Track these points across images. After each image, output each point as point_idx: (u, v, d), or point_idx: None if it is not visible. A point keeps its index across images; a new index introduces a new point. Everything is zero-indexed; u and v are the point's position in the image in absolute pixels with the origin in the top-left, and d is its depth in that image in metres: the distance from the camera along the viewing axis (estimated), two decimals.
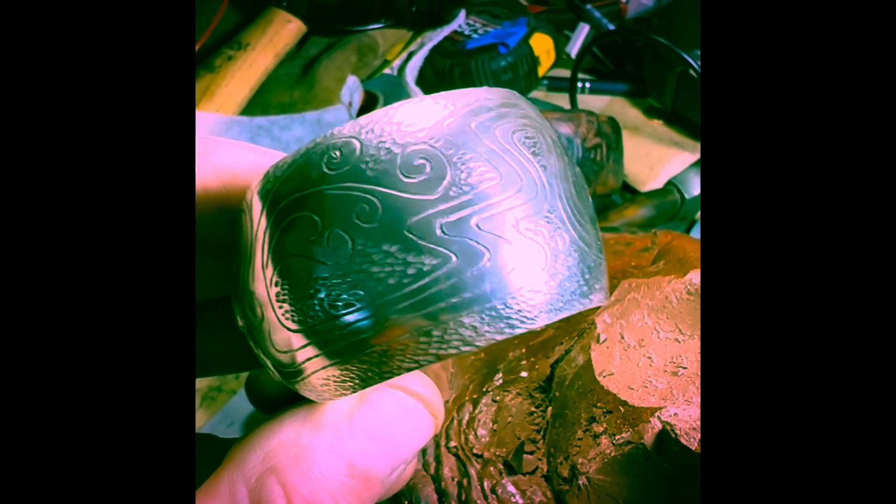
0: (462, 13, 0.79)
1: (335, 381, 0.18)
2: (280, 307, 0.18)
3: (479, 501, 0.33)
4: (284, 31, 0.71)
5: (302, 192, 0.18)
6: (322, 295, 0.17)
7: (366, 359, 0.17)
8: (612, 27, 0.83)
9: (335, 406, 0.19)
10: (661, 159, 0.72)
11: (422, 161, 0.17)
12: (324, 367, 0.18)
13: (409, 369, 0.17)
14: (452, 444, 0.36)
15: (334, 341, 0.17)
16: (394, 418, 0.20)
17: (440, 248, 0.17)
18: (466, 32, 0.78)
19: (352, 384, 0.18)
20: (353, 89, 0.70)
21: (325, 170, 0.18)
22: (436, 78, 0.76)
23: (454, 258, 0.17)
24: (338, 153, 0.18)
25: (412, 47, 0.77)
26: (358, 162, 0.18)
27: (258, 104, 0.68)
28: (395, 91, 0.73)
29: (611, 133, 0.62)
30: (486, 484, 0.34)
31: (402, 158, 0.17)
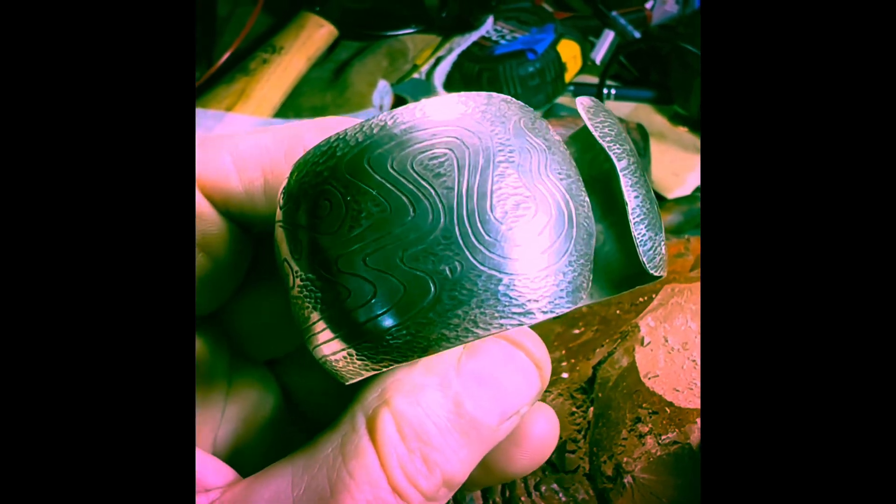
0: (490, 19, 0.80)
1: (348, 361, 0.19)
2: (303, 287, 0.19)
3: (522, 498, 0.34)
4: (317, 35, 0.73)
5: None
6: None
7: (383, 346, 0.18)
8: (636, 34, 0.84)
9: (446, 353, 0.20)
10: (686, 166, 0.73)
11: (325, 201, 0.19)
12: (341, 350, 0.19)
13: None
14: None
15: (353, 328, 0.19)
16: (499, 366, 0.21)
17: (359, 277, 0.18)
18: (494, 38, 0.79)
19: (364, 366, 0.19)
20: (383, 93, 0.71)
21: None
22: (464, 83, 0.77)
23: (375, 289, 0.18)
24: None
25: (441, 52, 0.78)
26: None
27: (291, 107, 0.69)
28: (425, 95, 0.74)
29: (640, 140, 0.63)
30: (529, 481, 0.35)
31: (311, 198, 0.19)
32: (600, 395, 0.35)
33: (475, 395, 0.20)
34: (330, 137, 0.19)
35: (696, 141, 0.76)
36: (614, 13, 0.85)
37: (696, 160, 0.73)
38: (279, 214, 0.20)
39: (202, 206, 0.23)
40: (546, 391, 0.38)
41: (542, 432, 0.24)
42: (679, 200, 0.62)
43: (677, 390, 0.31)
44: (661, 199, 0.69)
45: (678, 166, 0.73)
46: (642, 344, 0.34)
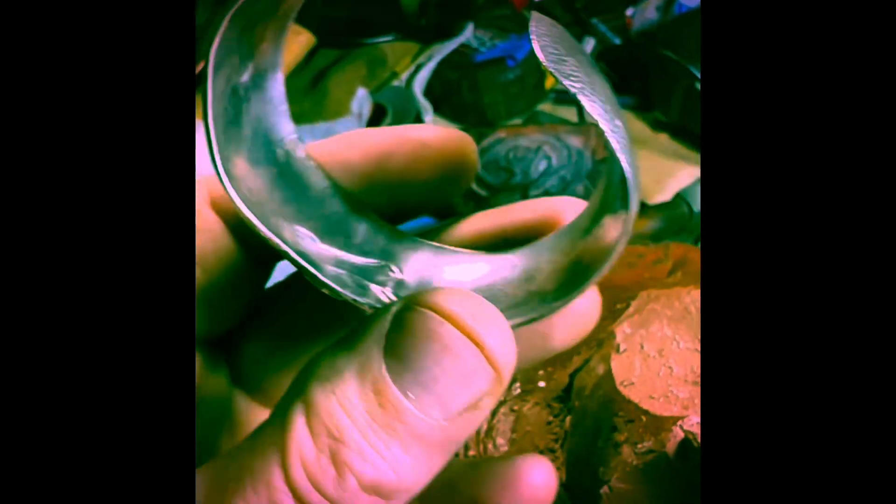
0: (470, 26, 0.80)
1: None
2: None
3: None
4: (294, 43, 0.72)
5: None
6: None
7: None
8: (617, 41, 0.84)
9: (374, 327, 0.17)
10: (667, 172, 0.73)
11: None
12: None
13: None
14: (471, 453, 0.36)
15: None
16: (430, 343, 0.17)
17: None
18: (474, 45, 0.78)
19: None
20: (362, 101, 0.71)
21: None
22: (444, 90, 0.77)
23: None
24: None
25: (420, 59, 0.78)
26: None
27: None
28: (404, 103, 0.74)
29: None
30: None
31: None
32: (577, 403, 0.34)
33: (403, 380, 0.16)
34: None
35: (676, 147, 0.76)
36: (595, 20, 0.85)
37: (677, 166, 0.73)
38: None
39: (210, 220, 0.22)
40: (523, 400, 0.37)
41: (536, 483, 0.21)
42: (660, 207, 0.62)
43: (653, 398, 0.30)
44: (642, 205, 0.69)
45: (659, 173, 0.73)
46: (618, 351, 0.33)
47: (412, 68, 0.77)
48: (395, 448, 0.16)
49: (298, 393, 0.17)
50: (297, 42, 0.72)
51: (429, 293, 0.17)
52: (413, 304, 0.17)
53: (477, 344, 0.17)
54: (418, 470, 0.17)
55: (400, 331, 0.17)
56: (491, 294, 0.22)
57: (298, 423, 0.16)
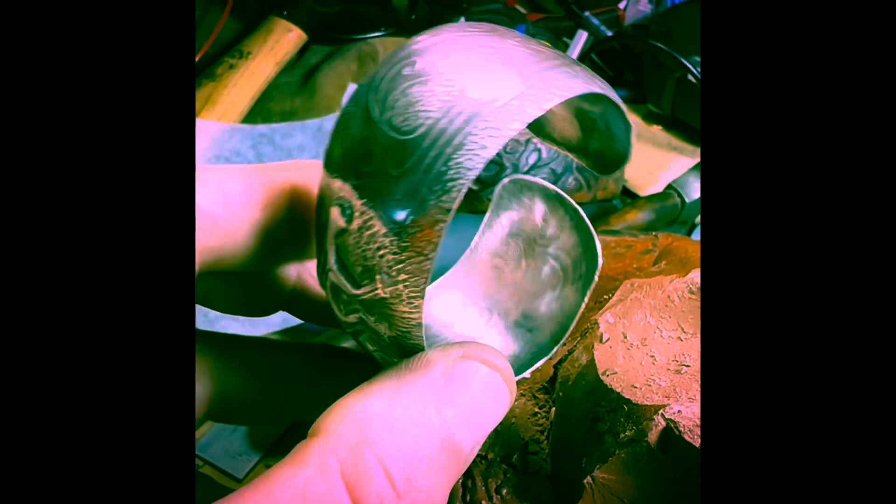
0: (461, 21, 0.79)
1: None
2: None
3: (483, 502, 0.33)
4: (285, 39, 0.72)
5: None
6: None
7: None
8: (610, 34, 0.84)
9: (423, 377, 0.19)
10: (660, 164, 0.72)
11: None
12: None
13: None
14: None
15: None
16: (478, 391, 0.19)
17: None
18: None
19: None
20: None
21: None
22: None
23: None
24: None
25: None
26: None
27: (259, 112, 0.68)
28: None
29: None
30: (491, 484, 0.34)
31: None
32: (561, 394, 0.34)
33: (457, 424, 0.19)
34: None
35: (669, 139, 0.75)
36: (587, 13, 0.85)
37: (669, 158, 0.73)
38: None
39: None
40: None
41: None
42: (651, 198, 0.62)
43: (635, 387, 0.30)
44: (633, 196, 0.69)
45: (652, 164, 0.72)
46: (601, 341, 0.33)
47: None
48: (447, 484, 0.18)
49: (357, 442, 0.17)
50: (288, 38, 0.72)
51: (474, 349, 0.20)
52: (467, 358, 0.20)
53: (507, 382, 0.21)
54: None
55: (455, 380, 0.19)
56: None
57: (375, 473, 0.17)
